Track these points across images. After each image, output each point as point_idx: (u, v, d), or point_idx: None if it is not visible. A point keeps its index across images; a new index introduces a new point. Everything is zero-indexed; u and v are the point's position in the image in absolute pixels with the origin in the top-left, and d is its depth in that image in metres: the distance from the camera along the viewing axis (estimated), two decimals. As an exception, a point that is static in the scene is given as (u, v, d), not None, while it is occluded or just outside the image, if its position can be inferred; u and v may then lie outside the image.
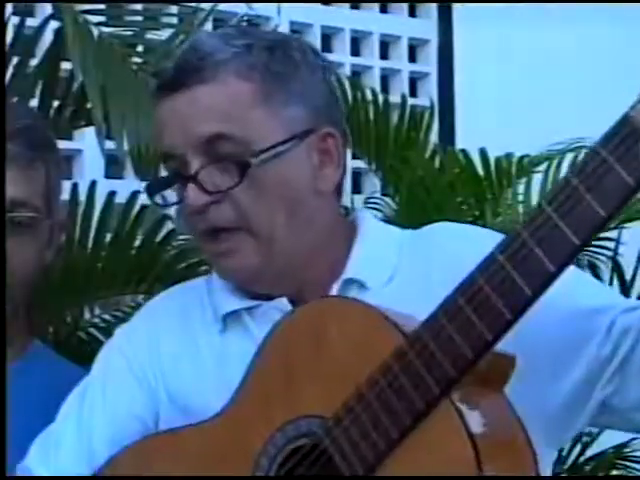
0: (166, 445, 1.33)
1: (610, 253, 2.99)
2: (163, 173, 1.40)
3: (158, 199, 1.38)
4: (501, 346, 1.20)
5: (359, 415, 1.15)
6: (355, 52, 4.32)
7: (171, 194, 1.38)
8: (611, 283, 2.95)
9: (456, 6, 4.16)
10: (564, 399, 1.25)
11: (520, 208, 2.94)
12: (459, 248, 1.27)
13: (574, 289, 1.26)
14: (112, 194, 2.30)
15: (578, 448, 3.08)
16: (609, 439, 3.06)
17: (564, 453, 3.06)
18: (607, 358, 1.23)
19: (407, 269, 1.34)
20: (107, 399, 1.40)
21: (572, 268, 1.30)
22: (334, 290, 1.33)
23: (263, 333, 1.27)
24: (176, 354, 1.39)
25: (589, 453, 3.10)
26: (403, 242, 1.38)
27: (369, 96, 3.38)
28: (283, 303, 1.35)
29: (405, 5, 4.41)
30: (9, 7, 2.93)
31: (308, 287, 1.35)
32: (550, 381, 1.25)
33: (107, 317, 2.52)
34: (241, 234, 1.32)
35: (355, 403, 1.15)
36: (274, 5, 3.16)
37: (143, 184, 1.41)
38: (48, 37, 2.21)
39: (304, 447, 1.20)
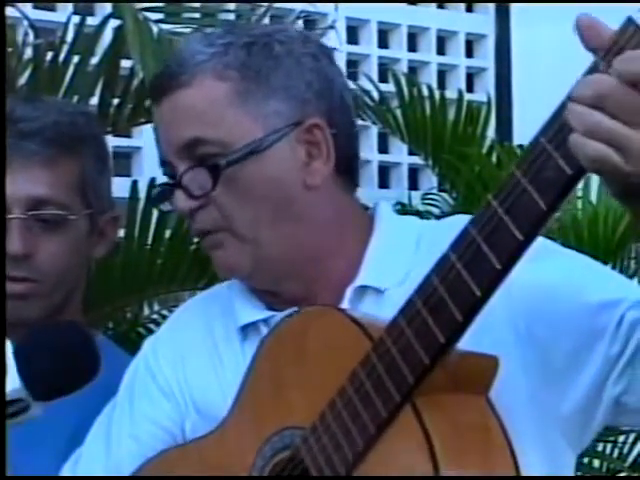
0: (178, 459, 1.34)
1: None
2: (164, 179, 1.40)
3: (164, 205, 1.39)
4: (516, 345, 1.20)
5: (329, 424, 1.14)
6: (412, 48, 4.31)
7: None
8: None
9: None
10: (578, 401, 1.21)
11: (579, 203, 2.91)
12: None
13: (583, 283, 1.22)
14: (171, 191, 2.31)
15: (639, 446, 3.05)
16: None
17: (625, 451, 3.04)
18: (616, 356, 1.18)
19: (423, 264, 1.27)
20: (134, 415, 1.40)
21: (582, 258, 1.29)
22: (347, 294, 1.30)
23: None
24: (200, 366, 1.38)
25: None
26: (423, 234, 1.34)
27: (425, 92, 3.37)
28: None
29: None
30: (70, 7, 2.98)
31: (320, 288, 1.33)
32: (564, 382, 1.21)
33: (166, 313, 2.54)
34: (225, 234, 1.31)
35: (328, 412, 1.14)
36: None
37: None
38: (108, 36, 2.23)
39: (285, 458, 1.20)
